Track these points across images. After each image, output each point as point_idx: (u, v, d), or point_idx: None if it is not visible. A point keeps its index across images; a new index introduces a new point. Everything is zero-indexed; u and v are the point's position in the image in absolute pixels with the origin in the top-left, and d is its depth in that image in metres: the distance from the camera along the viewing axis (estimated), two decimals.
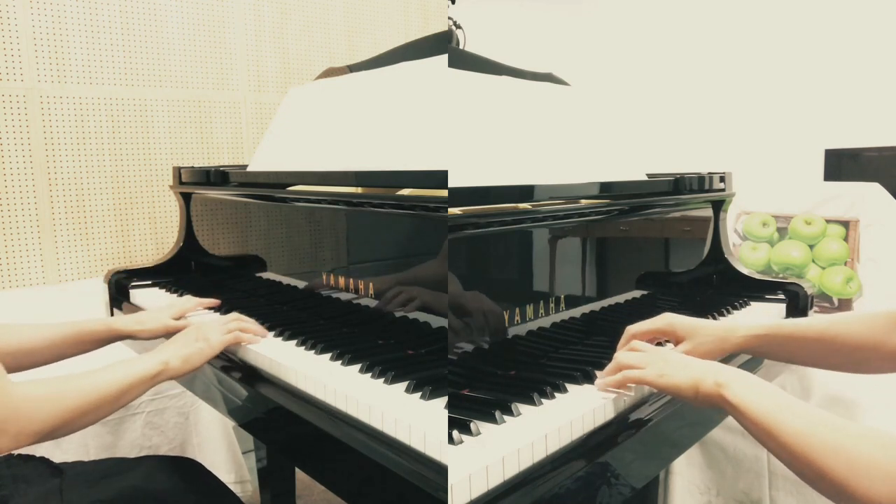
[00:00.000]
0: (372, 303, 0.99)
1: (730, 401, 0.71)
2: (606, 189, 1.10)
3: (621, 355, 0.84)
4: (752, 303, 1.32)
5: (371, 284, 0.99)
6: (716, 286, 1.41)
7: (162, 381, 0.92)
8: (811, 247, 1.84)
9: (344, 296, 1.05)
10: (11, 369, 0.98)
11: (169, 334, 1.11)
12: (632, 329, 0.94)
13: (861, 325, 0.88)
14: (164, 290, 1.44)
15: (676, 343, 0.93)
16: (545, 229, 0.97)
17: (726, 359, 0.99)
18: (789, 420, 0.67)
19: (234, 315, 1.05)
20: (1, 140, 1.82)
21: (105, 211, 2.01)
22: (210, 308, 1.22)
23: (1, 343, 0.99)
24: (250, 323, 1.04)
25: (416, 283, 0.93)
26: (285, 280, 1.21)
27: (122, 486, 1.01)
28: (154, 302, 1.36)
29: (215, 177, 1.42)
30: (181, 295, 1.38)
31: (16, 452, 1.05)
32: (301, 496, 1.96)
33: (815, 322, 0.91)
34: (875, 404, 1.30)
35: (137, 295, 1.43)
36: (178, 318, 1.13)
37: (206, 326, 0.99)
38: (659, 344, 1.01)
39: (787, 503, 1.40)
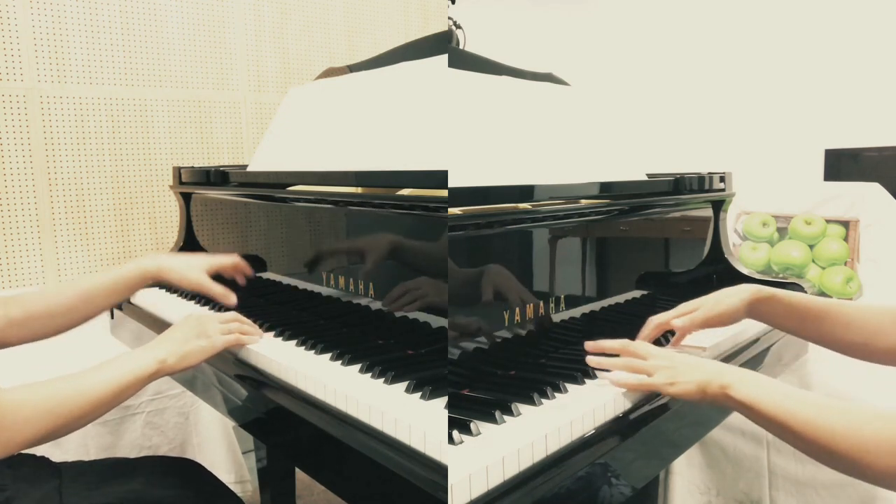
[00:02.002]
0: (372, 303, 0.99)
1: (737, 400, 0.76)
2: (606, 189, 1.10)
3: (628, 362, 0.85)
4: None
5: (371, 284, 0.99)
6: (716, 286, 1.41)
7: (158, 378, 0.91)
8: (811, 247, 1.84)
9: (344, 296, 1.05)
10: (50, 332, 1.04)
11: (201, 294, 1.13)
12: (654, 319, 1.00)
13: (867, 312, 0.93)
14: (164, 290, 1.44)
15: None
16: (545, 229, 0.97)
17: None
18: (797, 410, 0.71)
19: (234, 315, 1.04)
20: (1, 140, 1.82)
21: (105, 211, 2.01)
22: (242, 275, 1.21)
23: (32, 309, 1.01)
24: (248, 323, 1.03)
25: (415, 283, 0.93)
26: (285, 280, 1.21)
27: (121, 486, 1.01)
28: (155, 302, 1.36)
29: (215, 177, 1.42)
30: (181, 295, 1.38)
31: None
32: (301, 496, 1.96)
33: (826, 303, 0.96)
34: (875, 403, 1.30)
35: (138, 294, 1.43)
36: (213, 277, 1.14)
37: (206, 323, 0.96)
38: (659, 343, 1.01)
39: (787, 503, 1.40)
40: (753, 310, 0.99)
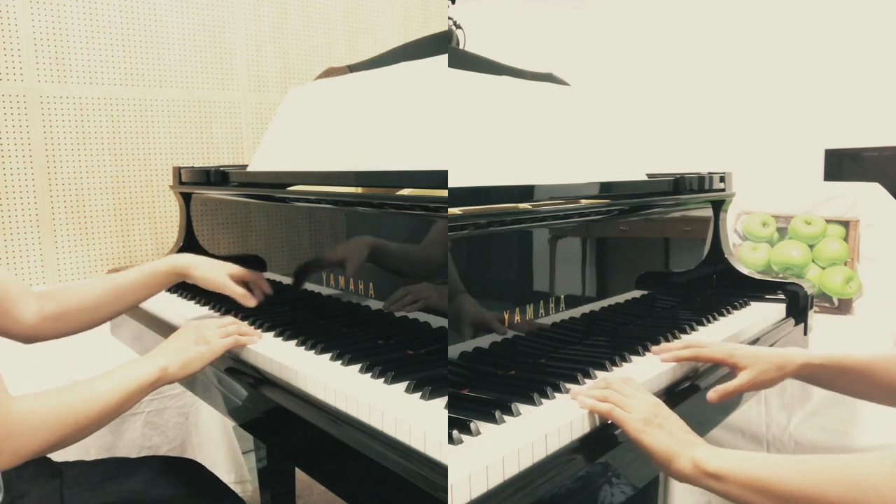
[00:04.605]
0: (372, 303, 0.99)
1: (714, 473, 0.70)
2: (606, 189, 1.10)
3: (610, 394, 0.78)
4: (752, 303, 1.32)
5: (371, 284, 0.99)
6: (716, 286, 1.41)
7: (160, 386, 0.92)
8: (811, 247, 1.84)
9: (344, 296, 1.05)
10: (82, 326, 1.08)
11: (220, 294, 1.14)
12: (698, 351, 0.94)
13: None
14: (164, 290, 1.44)
15: (736, 372, 0.92)
16: (545, 229, 0.97)
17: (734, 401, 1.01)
18: (789, 472, 0.66)
19: (231, 318, 1.05)
20: (1, 140, 1.82)
21: (105, 211, 2.01)
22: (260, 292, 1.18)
23: (65, 303, 1.04)
24: (244, 326, 1.04)
25: (417, 286, 0.93)
26: (285, 280, 1.21)
27: (122, 486, 1.01)
28: (154, 302, 1.36)
29: (215, 177, 1.42)
30: (182, 295, 1.38)
31: None
32: (301, 496, 1.96)
33: (873, 359, 0.92)
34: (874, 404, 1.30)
35: None
36: (236, 282, 1.14)
37: (204, 328, 0.98)
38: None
39: None
40: (796, 377, 0.96)
